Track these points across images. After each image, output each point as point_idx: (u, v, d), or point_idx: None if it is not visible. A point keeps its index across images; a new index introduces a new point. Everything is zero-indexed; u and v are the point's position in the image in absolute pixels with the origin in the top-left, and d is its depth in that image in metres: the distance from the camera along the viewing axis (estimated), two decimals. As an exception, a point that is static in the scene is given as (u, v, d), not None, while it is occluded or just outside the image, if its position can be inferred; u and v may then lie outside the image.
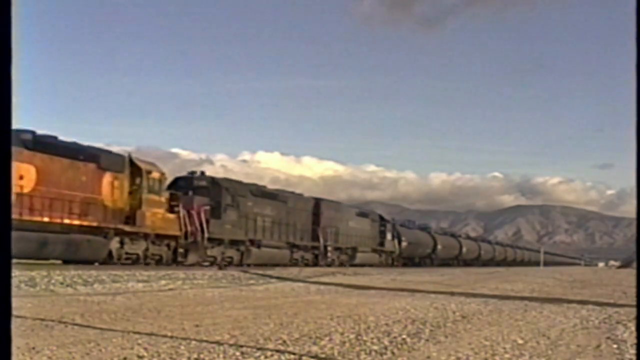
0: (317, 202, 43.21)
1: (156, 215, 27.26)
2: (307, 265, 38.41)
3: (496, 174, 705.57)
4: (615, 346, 7.74)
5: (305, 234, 40.50)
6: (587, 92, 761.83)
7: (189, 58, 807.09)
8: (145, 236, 26.82)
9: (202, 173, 34.05)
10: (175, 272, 22.16)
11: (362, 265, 44.26)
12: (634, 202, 2.26)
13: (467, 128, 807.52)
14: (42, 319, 8.74)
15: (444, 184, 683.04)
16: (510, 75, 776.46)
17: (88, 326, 8.30)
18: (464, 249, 75.45)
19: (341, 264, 42.55)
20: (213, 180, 33.37)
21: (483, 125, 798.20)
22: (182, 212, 28.63)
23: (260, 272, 27.22)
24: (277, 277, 23.46)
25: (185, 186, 31.62)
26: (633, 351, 7.18)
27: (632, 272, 44.77)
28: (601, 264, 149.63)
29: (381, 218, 53.69)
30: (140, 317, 9.56)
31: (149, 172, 27.33)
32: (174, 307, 11.23)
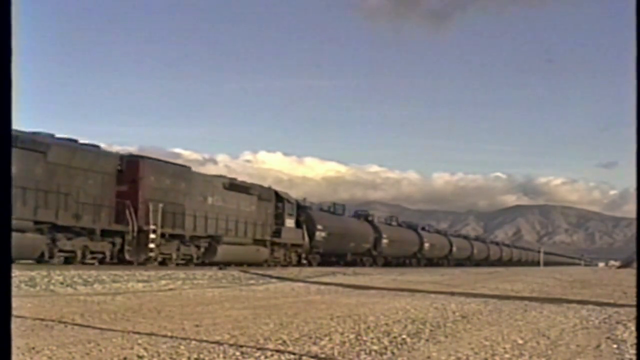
0: (133, 161, 27.06)
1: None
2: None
3: (499, 174, 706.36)
4: (615, 346, 7.74)
5: (95, 208, 24.65)
6: (591, 90, 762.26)
7: (191, 58, 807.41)
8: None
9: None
10: (175, 272, 22.17)
11: (226, 263, 30.78)
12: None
13: (470, 128, 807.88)
14: (42, 319, 8.74)
15: (446, 184, 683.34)
16: (515, 74, 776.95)
17: (88, 326, 8.30)
18: (454, 248, 71.14)
19: (182, 262, 28.95)
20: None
21: (486, 125, 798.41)
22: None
23: (260, 272, 27.24)
24: (277, 277, 23.47)
25: None
26: (633, 351, 7.18)
27: (632, 272, 44.75)
28: (601, 264, 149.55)
29: (278, 196, 37.91)
30: (140, 317, 9.56)
31: None
32: (174, 307, 11.23)
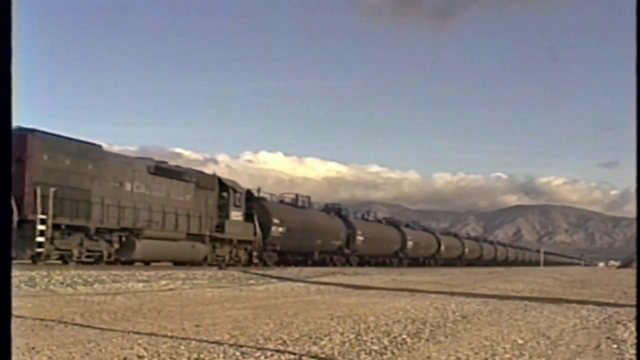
0: (21, 136, 21.42)
1: None
2: None
3: (500, 174, 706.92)
4: (615, 346, 7.74)
5: None
6: (594, 89, 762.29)
7: (192, 58, 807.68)
8: None
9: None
10: (175, 272, 22.16)
11: (141, 260, 26.75)
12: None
13: (472, 128, 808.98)
14: (42, 319, 8.74)
15: (447, 184, 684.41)
16: (517, 73, 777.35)
17: (88, 326, 8.30)
18: (443, 247, 66.86)
19: (90, 261, 23.96)
20: None
21: (487, 125, 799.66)
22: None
23: (260, 272, 27.23)
24: (277, 277, 23.47)
25: None
26: (633, 351, 7.18)
27: (632, 272, 44.76)
28: (601, 264, 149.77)
29: (222, 185, 32.68)
30: (140, 317, 9.56)
31: None
32: (174, 307, 11.23)
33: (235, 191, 33.43)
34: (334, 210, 48.49)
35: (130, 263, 25.94)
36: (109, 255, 25.08)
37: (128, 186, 26.40)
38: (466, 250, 75.64)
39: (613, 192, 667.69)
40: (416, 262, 58.66)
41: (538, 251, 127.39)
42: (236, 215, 33.08)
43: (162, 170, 28.28)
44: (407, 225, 63.58)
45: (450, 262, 66.77)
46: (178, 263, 28.72)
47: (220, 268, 28.82)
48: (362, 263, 48.30)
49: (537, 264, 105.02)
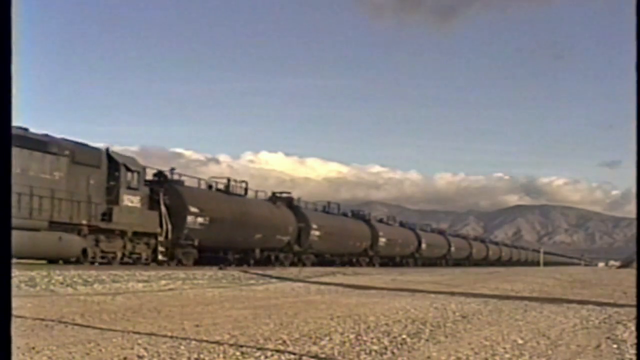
0: None
1: None
2: None
3: (501, 174, 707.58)
4: (615, 346, 7.74)
5: None
6: (596, 87, 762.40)
7: (193, 58, 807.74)
8: None
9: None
10: (175, 272, 22.17)
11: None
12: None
13: (473, 128, 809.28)
14: (42, 319, 8.74)
15: (449, 185, 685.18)
16: (519, 73, 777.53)
17: (88, 326, 8.30)
18: (423, 245, 61.69)
19: None
20: None
21: (489, 125, 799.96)
22: None
23: (260, 272, 27.24)
24: (277, 277, 23.47)
25: None
26: (633, 351, 7.18)
27: (632, 272, 44.75)
28: (601, 264, 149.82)
29: (112, 161, 26.83)
30: (140, 317, 9.56)
31: None
32: (174, 307, 11.22)
33: (129, 170, 27.29)
34: (283, 200, 41.70)
35: None
36: None
37: None
38: (452, 248, 71.17)
39: (614, 192, 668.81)
40: (387, 263, 52.69)
41: (538, 251, 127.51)
42: (131, 200, 27.15)
43: (17, 139, 21.37)
44: (380, 220, 57.75)
45: (434, 263, 62.24)
46: (43, 259, 23.56)
47: (220, 268, 28.82)
48: (320, 263, 42.09)
49: (537, 264, 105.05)
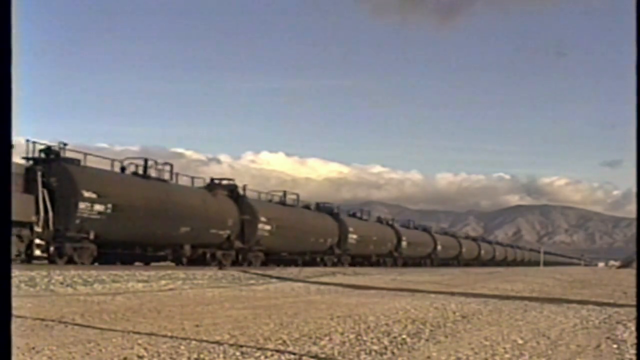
0: None
1: None
2: None
3: (502, 174, 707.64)
4: (615, 346, 7.74)
5: None
6: (598, 86, 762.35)
7: (194, 58, 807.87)
8: None
9: None
10: (175, 272, 22.17)
11: None
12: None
13: (474, 128, 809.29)
14: (42, 319, 8.74)
15: (450, 185, 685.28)
16: (520, 72, 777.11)
17: (88, 326, 8.29)
18: (403, 243, 57.39)
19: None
20: None
21: (490, 125, 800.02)
22: None
23: (260, 272, 27.23)
24: (277, 277, 23.47)
25: None
26: (633, 351, 7.18)
27: (632, 272, 44.74)
28: (601, 264, 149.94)
29: None
30: (140, 317, 9.56)
31: None
32: (174, 307, 11.22)
33: None
34: (223, 188, 35.75)
35: None
36: None
37: None
38: (438, 247, 67.87)
39: (615, 192, 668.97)
40: (356, 262, 47.43)
41: (538, 251, 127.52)
42: None
43: None
44: (353, 215, 52.22)
45: (418, 263, 59.60)
46: None
47: (220, 268, 28.81)
48: (276, 262, 38.15)
49: (537, 264, 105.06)
